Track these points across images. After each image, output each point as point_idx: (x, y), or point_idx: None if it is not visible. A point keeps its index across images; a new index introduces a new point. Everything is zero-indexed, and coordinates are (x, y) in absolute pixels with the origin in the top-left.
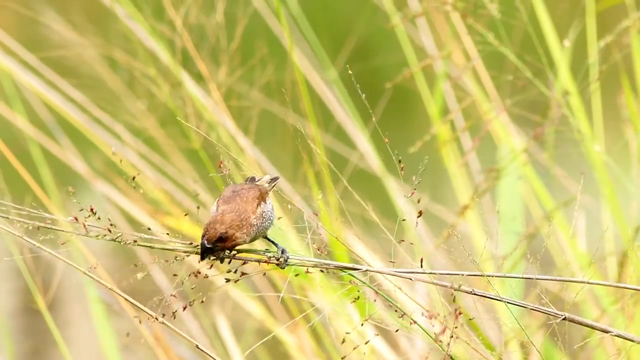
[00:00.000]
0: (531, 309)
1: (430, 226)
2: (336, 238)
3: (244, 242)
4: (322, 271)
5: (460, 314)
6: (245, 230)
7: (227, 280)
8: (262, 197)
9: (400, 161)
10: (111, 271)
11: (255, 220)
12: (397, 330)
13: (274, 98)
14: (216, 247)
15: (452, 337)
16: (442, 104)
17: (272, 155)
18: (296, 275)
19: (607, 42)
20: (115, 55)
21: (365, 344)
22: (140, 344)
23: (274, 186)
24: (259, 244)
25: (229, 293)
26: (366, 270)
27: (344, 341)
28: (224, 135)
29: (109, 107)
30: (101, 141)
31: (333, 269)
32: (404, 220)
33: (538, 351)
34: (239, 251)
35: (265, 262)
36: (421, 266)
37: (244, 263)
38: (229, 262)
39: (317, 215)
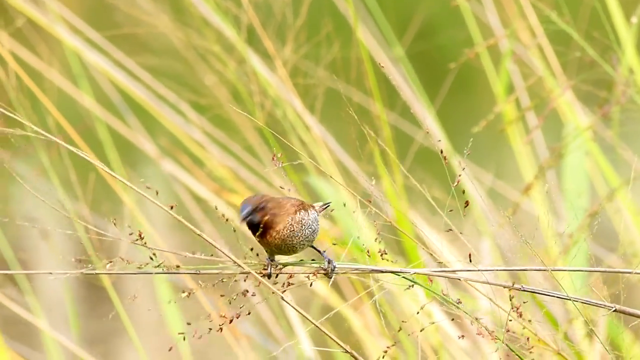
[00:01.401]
0: (582, 302)
1: (495, 204)
2: (386, 221)
3: (276, 227)
4: (373, 272)
5: (519, 309)
6: (279, 211)
7: (273, 292)
8: (303, 206)
9: (441, 150)
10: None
11: (290, 219)
12: (452, 320)
13: (339, 76)
14: (254, 215)
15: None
16: (508, 82)
17: (337, 133)
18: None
19: None
20: (181, 33)
21: (421, 331)
22: (206, 322)
23: (323, 210)
24: (305, 256)
25: (294, 271)
26: (414, 273)
27: (399, 329)
28: (290, 113)
29: (175, 84)
30: (167, 119)
31: (379, 272)
32: (455, 185)
33: (593, 332)
34: (285, 265)
35: (313, 274)
36: (470, 261)
37: (290, 277)
38: (276, 277)
39: (370, 202)
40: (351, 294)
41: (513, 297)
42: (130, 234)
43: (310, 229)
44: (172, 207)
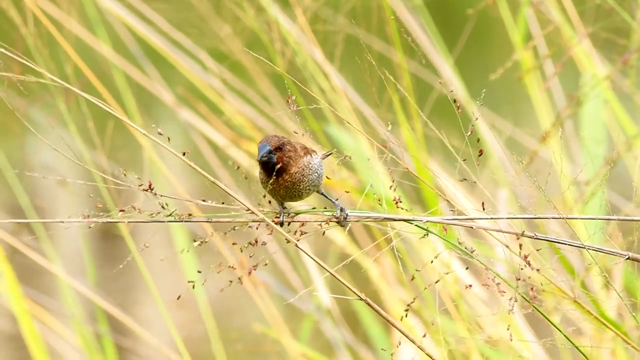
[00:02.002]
0: (595, 250)
1: (512, 152)
2: (404, 169)
3: (290, 170)
4: (385, 219)
5: (527, 257)
6: (294, 154)
7: (288, 241)
8: (307, 150)
9: (456, 100)
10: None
11: (301, 163)
12: (467, 268)
13: (359, 24)
14: (272, 155)
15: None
16: (525, 30)
17: (356, 81)
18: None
19: None
20: None
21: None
22: (223, 270)
23: (326, 156)
24: (315, 202)
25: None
26: (427, 221)
27: (412, 278)
28: (309, 61)
29: (193, 32)
30: (184, 67)
31: (391, 220)
32: (468, 134)
33: (607, 280)
34: (298, 213)
35: (326, 222)
36: (483, 209)
37: (302, 224)
38: (289, 225)
39: (385, 147)
40: (368, 243)
41: (522, 245)
42: (140, 185)
43: (316, 174)
44: (184, 154)
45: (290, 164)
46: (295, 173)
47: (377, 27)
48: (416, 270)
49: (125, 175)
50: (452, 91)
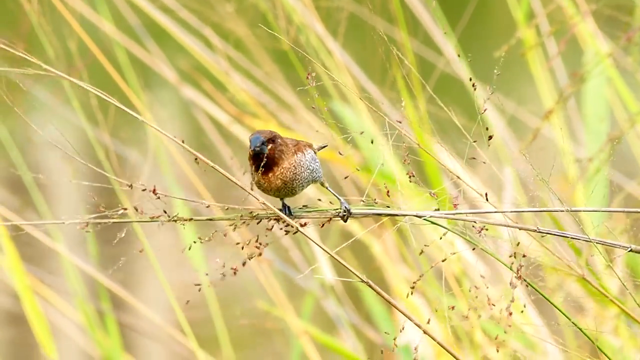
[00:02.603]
0: (596, 242)
1: (515, 131)
2: (411, 143)
3: (281, 164)
4: (386, 214)
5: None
6: (285, 149)
7: (287, 232)
8: (298, 148)
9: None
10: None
11: (293, 160)
12: (474, 249)
13: (362, 1)
14: (264, 146)
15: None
16: (528, 8)
17: (360, 59)
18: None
19: None
20: None
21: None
22: (226, 247)
23: (320, 149)
24: (315, 195)
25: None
26: (430, 216)
27: (421, 252)
28: (313, 38)
29: (198, 8)
30: (188, 44)
31: (395, 215)
32: (483, 112)
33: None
34: (302, 209)
35: (328, 220)
36: (486, 199)
37: (304, 225)
38: (287, 223)
39: (400, 122)
40: (371, 221)
41: (517, 254)
42: (144, 190)
43: (308, 170)
44: (196, 160)
45: (282, 158)
46: (287, 170)
47: (380, 5)
48: (425, 245)
49: (131, 187)
50: (470, 59)
